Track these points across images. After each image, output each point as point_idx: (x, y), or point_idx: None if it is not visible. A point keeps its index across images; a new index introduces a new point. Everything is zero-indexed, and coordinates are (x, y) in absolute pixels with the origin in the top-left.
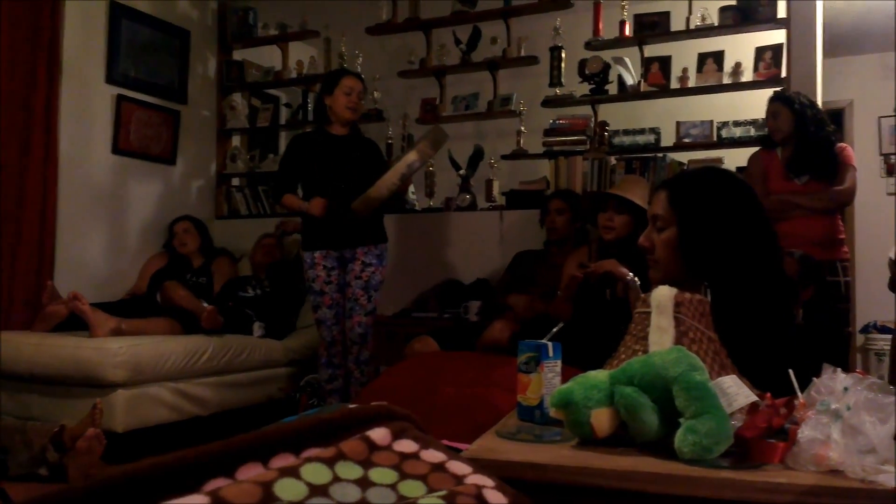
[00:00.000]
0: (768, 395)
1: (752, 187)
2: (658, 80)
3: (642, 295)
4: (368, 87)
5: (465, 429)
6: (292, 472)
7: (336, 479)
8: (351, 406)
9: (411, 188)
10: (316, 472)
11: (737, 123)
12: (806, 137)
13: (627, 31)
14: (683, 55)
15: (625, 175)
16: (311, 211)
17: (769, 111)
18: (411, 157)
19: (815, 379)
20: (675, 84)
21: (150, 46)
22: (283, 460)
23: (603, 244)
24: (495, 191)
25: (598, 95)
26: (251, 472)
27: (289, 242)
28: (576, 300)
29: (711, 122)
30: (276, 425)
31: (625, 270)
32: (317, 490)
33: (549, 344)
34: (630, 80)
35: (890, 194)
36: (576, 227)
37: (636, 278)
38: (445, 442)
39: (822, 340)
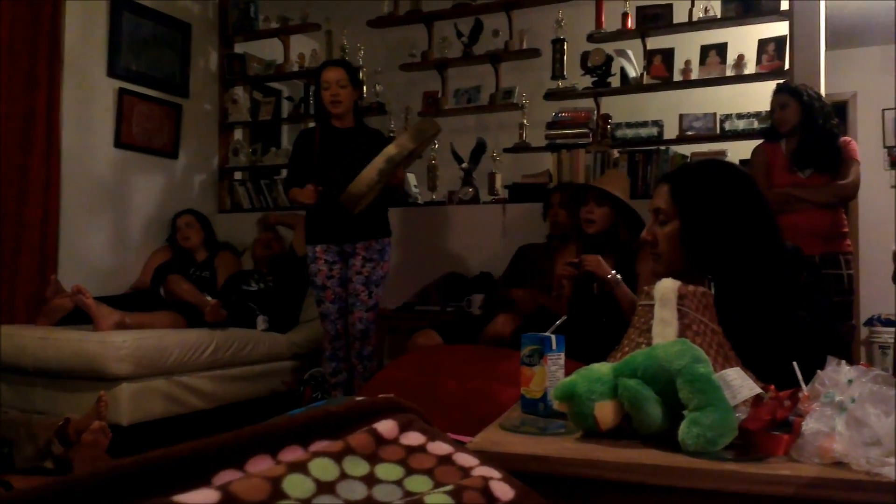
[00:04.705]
0: (772, 387)
1: (755, 179)
2: (661, 72)
3: (646, 287)
4: (370, 80)
5: (468, 421)
6: (301, 467)
7: (343, 475)
8: (358, 398)
9: (413, 182)
10: (324, 468)
11: (740, 116)
12: (813, 130)
13: (630, 23)
14: (686, 47)
15: (608, 170)
16: (302, 199)
17: (776, 102)
18: (390, 150)
19: (819, 371)
20: (677, 76)
21: (151, 40)
22: (292, 453)
23: (587, 238)
24: (498, 184)
25: (601, 88)
26: (260, 464)
27: (286, 235)
28: (571, 295)
29: (714, 114)
30: (285, 417)
31: (606, 268)
32: (324, 487)
33: (553, 337)
34: (633, 73)
35: (893, 187)
36: (578, 220)
37: (618, 275)
38: (448, 434)
39: (827, 333)
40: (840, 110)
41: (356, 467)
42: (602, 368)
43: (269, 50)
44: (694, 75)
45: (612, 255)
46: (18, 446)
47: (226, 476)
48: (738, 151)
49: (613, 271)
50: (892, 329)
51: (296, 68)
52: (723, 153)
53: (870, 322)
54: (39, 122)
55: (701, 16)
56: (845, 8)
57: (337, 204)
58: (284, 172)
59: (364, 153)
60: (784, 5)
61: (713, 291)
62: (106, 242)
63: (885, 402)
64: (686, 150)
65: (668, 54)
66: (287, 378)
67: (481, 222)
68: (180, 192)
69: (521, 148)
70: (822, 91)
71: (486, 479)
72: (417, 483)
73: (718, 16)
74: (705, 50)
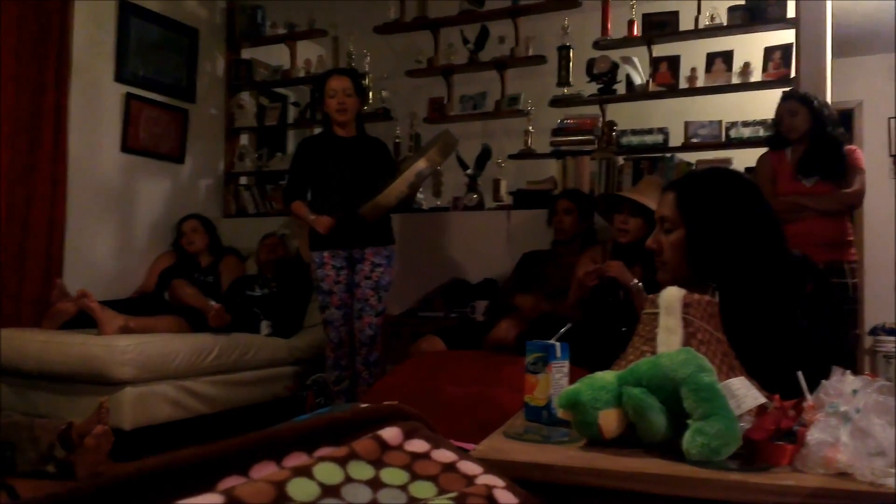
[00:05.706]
0: (777, 396)
1: (760, 188)
2: (666, 79)
3: (650, 296)
4: (376, 87)
5: (471, 428)
6: (305, 471)
7: (348, 479)
8: (363, 405)
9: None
10: (328, 472)
11: (745, 124)
12: (821, 137)
13: (636, 30)
14: (692, 55)
15: (645, 177)
16: (316, 227)
17: (785, 109)
18: (421, 164)
19: (823, 381)
20: (683, 84)
21: (158, 45)
22: (297, 459)
23: (617, 245)
24: (503, 190)
25: (607, 95)
26: (265, 470)
27: (291, 240)
28: (586, 301)
29: (720, 122)
30: (289, 424)
31: (630, 276)
32: (329, 490)
33: (557, 344)
34: (638, 80)
35: None
36: (583, 227)
37: (640, 283)
38: (451, 441)
39: (831, 343)
40: (846, 119)
41: (361, 471)
42: (606, 377)
43: (275, 55)
44: (700, 83)
45: (639, 266)
46: (20, 450)
47: (230, 482)
48: (744, 159)
49: (636, 280)
50: None
51: (302, 74)
52: (728, 161)
53: (874, 331)
54: (47, 126)
55: (707, 23)
56: (852, 16)
57: (347, 211)
58: None
59: (366, 162)
60: (790, 13)
61: (718, 300)
62: (111, 246)
63: (889, 412)
64: (691, 157)
65: (673, 61)
66: (290, 383)
67: (486, 228)
68: (186, 196)
69: (526, 154)
70: (828, 99)
71: (489, 488)
72: (422, 489)
73: (724, 23)
74: (711, 57)
